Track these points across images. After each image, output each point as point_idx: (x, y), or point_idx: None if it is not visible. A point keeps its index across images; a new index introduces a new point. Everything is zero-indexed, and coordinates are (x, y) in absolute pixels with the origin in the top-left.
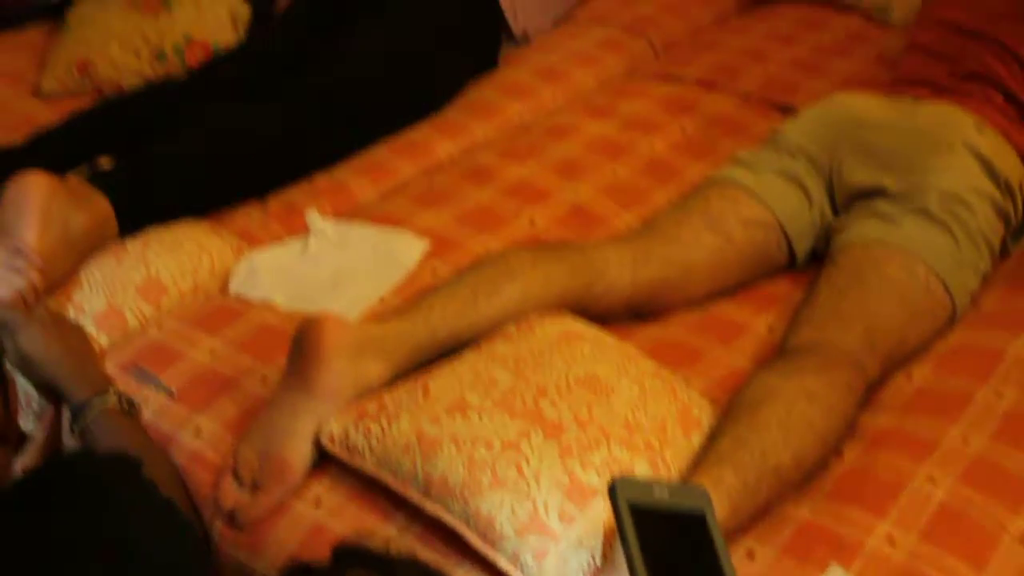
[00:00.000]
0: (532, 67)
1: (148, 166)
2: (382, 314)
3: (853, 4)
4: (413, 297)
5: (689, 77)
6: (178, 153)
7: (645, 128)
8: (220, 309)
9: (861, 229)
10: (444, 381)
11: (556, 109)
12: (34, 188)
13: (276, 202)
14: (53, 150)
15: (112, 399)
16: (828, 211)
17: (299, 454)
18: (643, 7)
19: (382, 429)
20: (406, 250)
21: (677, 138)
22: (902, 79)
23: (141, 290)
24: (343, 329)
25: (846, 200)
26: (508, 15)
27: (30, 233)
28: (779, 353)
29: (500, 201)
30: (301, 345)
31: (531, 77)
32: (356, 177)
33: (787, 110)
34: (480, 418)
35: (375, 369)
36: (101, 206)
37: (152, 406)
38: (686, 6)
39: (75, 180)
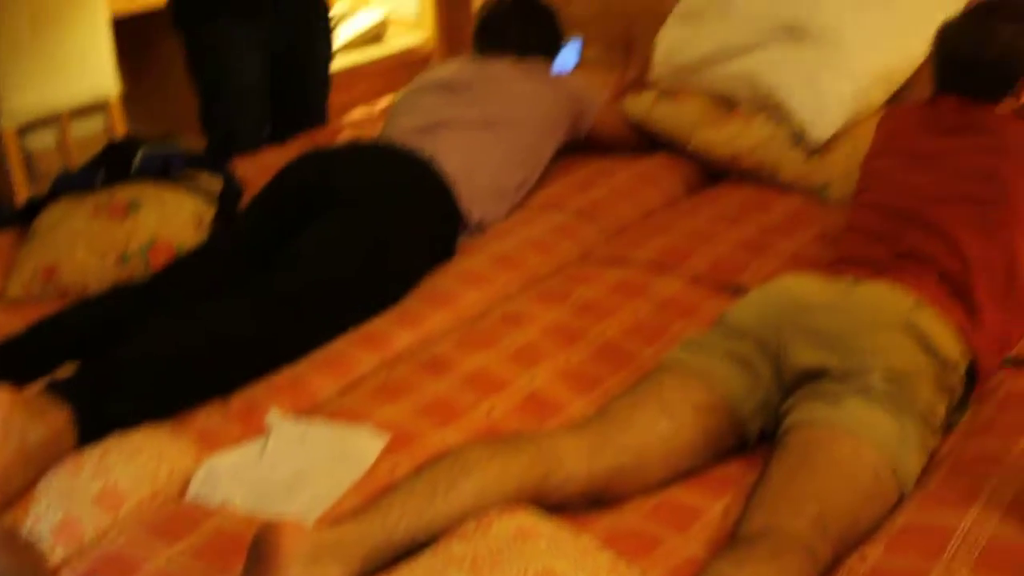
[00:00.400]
0: (488, 255)
1: (111, 372)
2: (340, 515)
3: (793, 184)
4: (371, 497)
5: (640, 260)
6: (143, 357)
7: (598, 313)
8: (178, 516)
9: (807, 411)
10: None
11: (512, 296)
12: None
13: (238, 400)
14: (13, 360)
15: None
16: (776, 392)
17: None
18: (595, 192)
19: None
20: (365, 447)
21: (629, 322)
22: (843, 259)
23: (99, 500)
24: (299, 535)
25: (793, 381)
26: (464, 207)
27: None
28: (732, 540)
29: (458, 392)
30: (257, 552)
31: (487, 265)
32: (316, 372)
33: (736, 290)
34: None
35: (333, 574)
36: (59, 418)
37: None
38: (637, 190)
39: (33, 392)
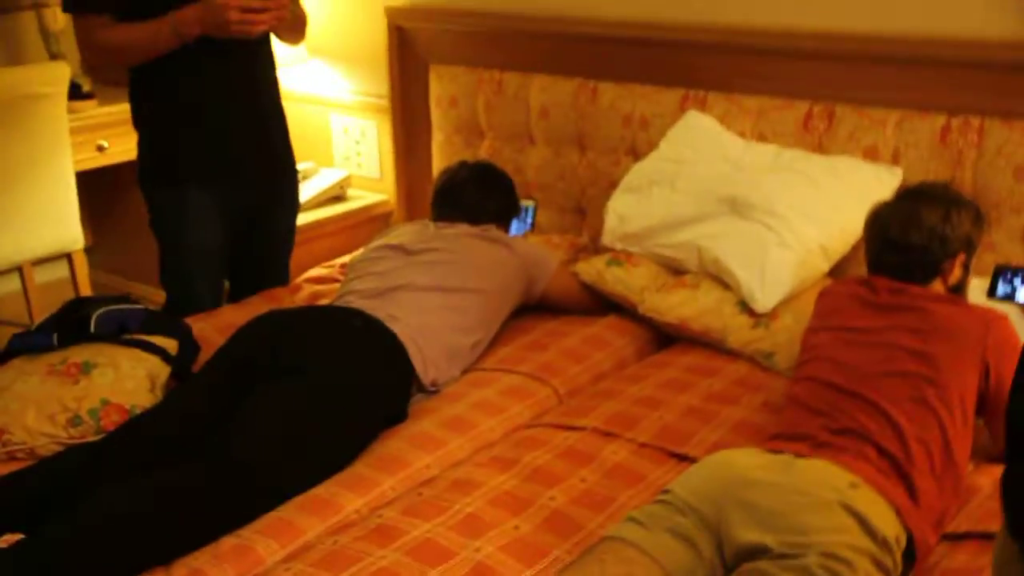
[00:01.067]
0: (440, 418)
1: (51, 548)
2: None
3: (740, 351)
4: None
5: (588, 427)
6: (85, 530)
7: (547, 480)
8: None
9: None
10: None
11: (462, 460)
12: None
13: (180, 567)
14: None
15: None
16: (719, 569)
17: None
18: (547, 355)
19: None
20: None
21: (578, 490)
22: (782, 433)
23: None
24: None
25: (733, 559)
26: (418, 369)
27: None
28: None
29: (403, 563)
30: None
31: (439, 428)
32: (261, 538)
33: (682, 458)
34: None
35: None
36: None
37: None
38: (587, 353)
39: None
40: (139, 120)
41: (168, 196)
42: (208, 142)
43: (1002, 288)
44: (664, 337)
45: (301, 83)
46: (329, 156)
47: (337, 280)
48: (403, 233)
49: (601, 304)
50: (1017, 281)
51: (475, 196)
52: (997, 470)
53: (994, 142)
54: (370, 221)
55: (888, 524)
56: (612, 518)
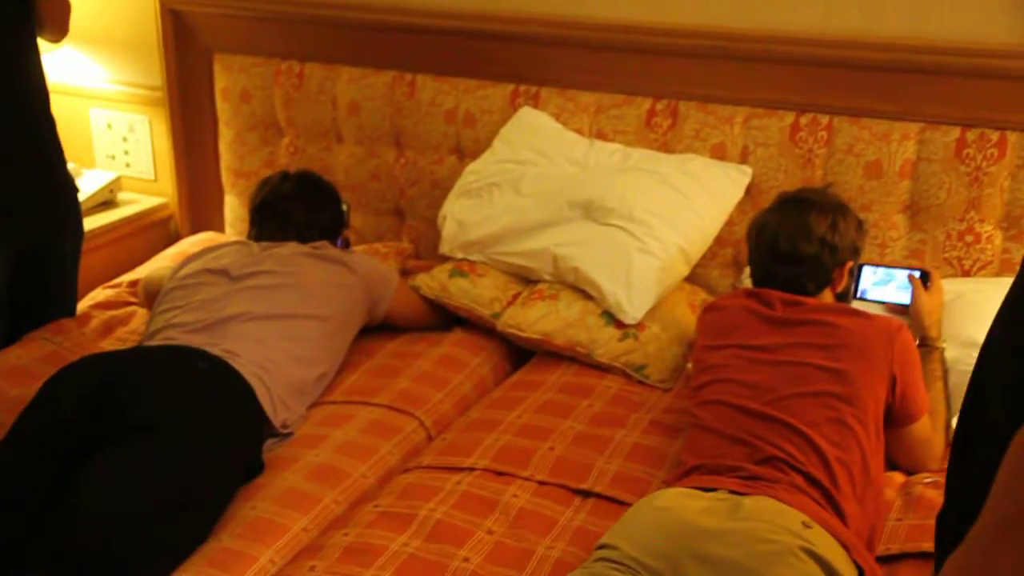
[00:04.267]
0: (303, 468)
1: None
2: None
3: (610, 365)
4: None
5: (478, 467)
6: None
7: (453, 538)
8: None
9: None
10: None
11: (343, 518)
12: None
13: None
14: None
15: None
16: None
17: None
18: (400, 381)
19: None
20: None
21: (489, 545)
22: (704, 466)
23: None
24: None
25: None
26: (267, 410)
27: None
28: None
29: None
30: None
31: (306, 482)
32: None
33: (587, 495)
34: None
35: None
36: None
37: None
38: (444, 376)
39: None
40: None
41: None
42: None
43: (861, 288)
44: (517, 350)
45: (53, 71)
46: (90, 156)
47: (128, 303)
48: (222, 255)
49: (443, 318)
50: (864, 277)
51: (303, 212)
52: (898, 478)
53: (844, 140)
54: (147, 228)
55: (843, 563)
56: (536, 575)
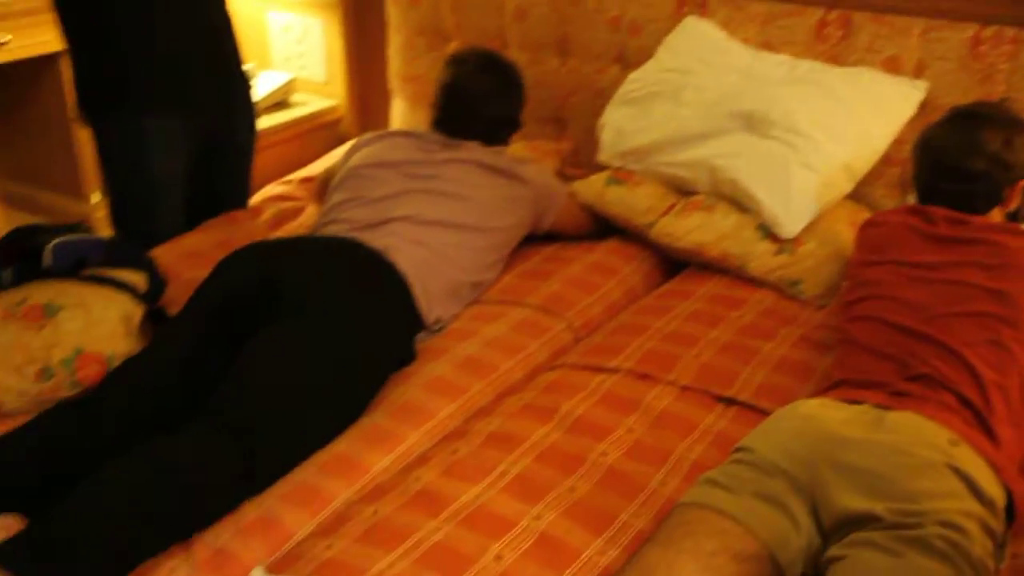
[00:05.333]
0: (453, 359)
1: (57, 537)
2: None
3: (763, 279)
4: None
5: (622, 368)
6: (91, 516)
7: (593, 432)
8: None
9: (865, 563)
10: None
11: (488, 407)
12: None
13: (202, 547)
14: None
15: None
16: (816, 535)
17: None
18: (552, 284)
19: None
20: None
21: (628, 442)
22: (850, 380)
23: None
24: None
25: (834, 525)
26: (422, 306)
27: None
28: None
29: (458, 535)
30: None
31: (455, 371)
32: (287, 507)
33: (730, 402)
34: None
35: None
36: None
37: None
38: (595, 282)
39: None
40: (74, 40)
41: (123, 124)
42: (161, 65)
43: None
44: (669, 262)
45: None
46: (267, 58)
47: (297, 197)
48: (397, 146)
49: (600, 226)
50: None
51: (494, 105)
52: None
53: None
54: (319, 129)
55: (991, 484)
56: (673, 473)
